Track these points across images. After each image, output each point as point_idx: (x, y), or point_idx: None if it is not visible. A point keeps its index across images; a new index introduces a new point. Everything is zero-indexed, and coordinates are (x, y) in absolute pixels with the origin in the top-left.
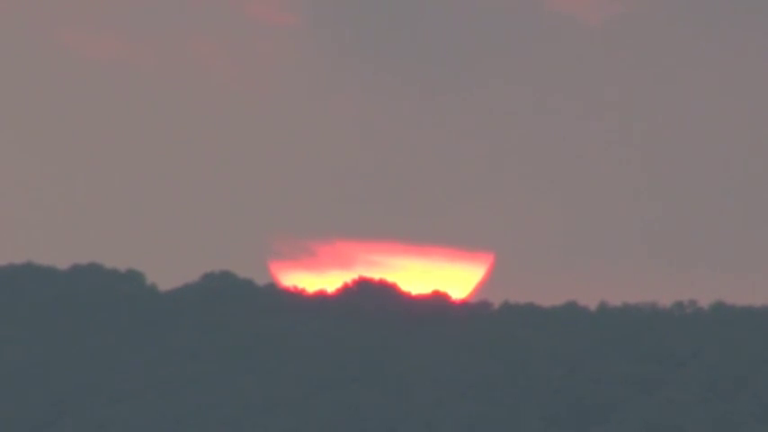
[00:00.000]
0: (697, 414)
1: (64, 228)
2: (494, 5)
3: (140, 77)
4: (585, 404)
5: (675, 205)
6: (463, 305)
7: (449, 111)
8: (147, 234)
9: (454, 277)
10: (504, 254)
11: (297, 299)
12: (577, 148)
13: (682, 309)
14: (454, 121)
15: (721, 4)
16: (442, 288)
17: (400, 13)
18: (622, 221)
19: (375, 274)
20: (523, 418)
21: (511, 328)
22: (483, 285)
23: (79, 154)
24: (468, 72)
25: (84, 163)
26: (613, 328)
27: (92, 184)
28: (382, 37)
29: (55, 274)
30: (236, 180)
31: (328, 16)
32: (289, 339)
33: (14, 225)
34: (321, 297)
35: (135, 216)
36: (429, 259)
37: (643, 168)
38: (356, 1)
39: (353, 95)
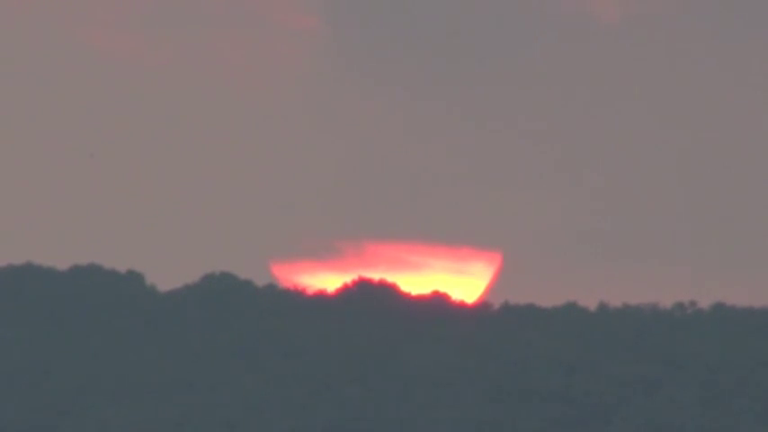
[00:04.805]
0: (697, 414)
1: (64, 228)
2: (510, 4)
3: (155, 78)
4: (585, 404)
5: (675, 206)
6: (463, 306)
7: (466, 111)
8: (147, 234)
9: (468, 277)
10: (505, 254)
11: (297, 299)
12: (579, 148)
13: (682, 309)
14: (469, 121)
15: (739, 3)
16: (456, 289)
17: (418, 16)
18: (622, 222)
19: (394, 275)
20: (523, 418)
21: (511, 328)
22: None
23: (80, 154)
24: (484, 72)
25: (84, 163)
26: (613, 328)
27: (92, 184)
28: (401, 39)
29: (55, 275)
30: (237, 180)
31: (347, 19)
32: (289, 339)
33: (14, 225)
34: (321, 297)
35: (135, 216)
36: (444, 260)
37: (644, 168)
38: (375, 4)
39: (370, 97)
